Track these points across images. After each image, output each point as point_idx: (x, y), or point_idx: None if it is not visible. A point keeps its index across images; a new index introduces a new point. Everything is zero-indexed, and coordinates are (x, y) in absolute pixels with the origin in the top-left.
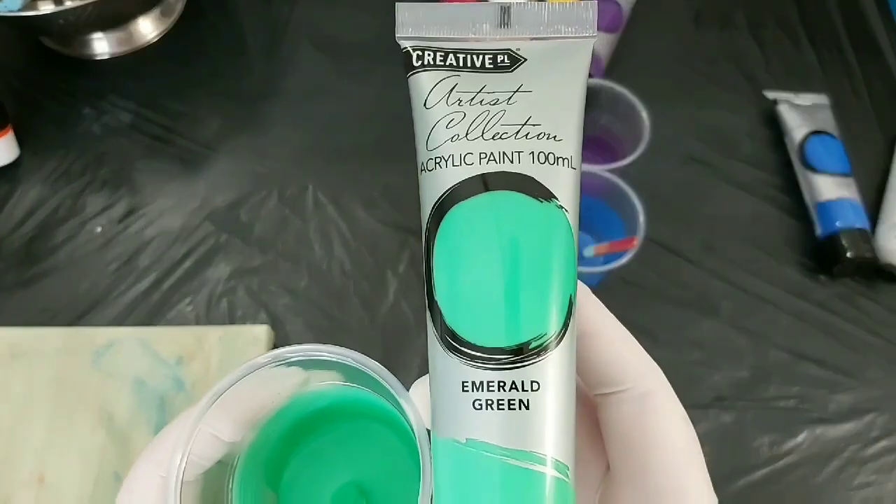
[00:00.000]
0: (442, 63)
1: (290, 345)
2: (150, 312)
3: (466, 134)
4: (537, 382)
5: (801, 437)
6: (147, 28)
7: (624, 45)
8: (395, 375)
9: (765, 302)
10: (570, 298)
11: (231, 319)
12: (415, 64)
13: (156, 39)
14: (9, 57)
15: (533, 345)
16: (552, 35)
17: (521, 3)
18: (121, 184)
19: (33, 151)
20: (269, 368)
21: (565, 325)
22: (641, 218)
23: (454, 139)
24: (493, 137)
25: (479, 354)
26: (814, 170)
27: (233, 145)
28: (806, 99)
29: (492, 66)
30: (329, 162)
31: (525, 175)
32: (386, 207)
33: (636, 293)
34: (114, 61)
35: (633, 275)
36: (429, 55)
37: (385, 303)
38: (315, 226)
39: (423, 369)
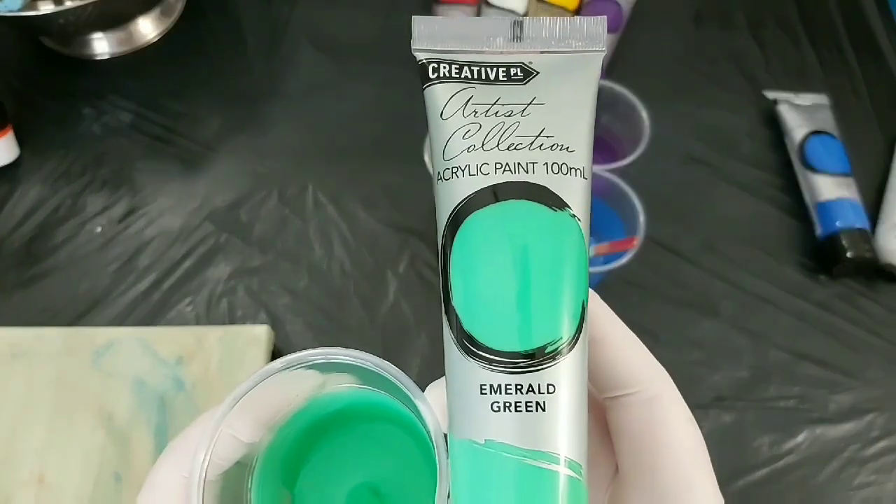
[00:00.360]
0: (457, 76)
1: (290, 344)
2: (150, 312)
3: (482, 145)
4: (553, 385)
5: (801, 437)
6: (147, 28)
7: (624, 45)
8: None
9: (765, 302)
10: (583, 304)
11: (231, 319)
12: (430, 76)
13: (156, 39)
14: (9, 57)
15: (548, 349)
16: (563, 49)
17: (533, 17)
18: (121, 184)
19: (33, 151)
20: (288, 371)
21: (578, 330)
22: (641, 218)
23: (470, 150)
24: (508, 148)
25: (496, 358)
26: (814, 170)
27: (233, 145)
28: (806, 99)
29: (505, 78)
30: (329, 162)
31: (539, 185)
32: (386, 207)
33: (636, 293)
34: (114, 61)
35: (633, 275)
36: (444, 67)
37: (385, 303)
38: (315, 226)
39: (423, 369)
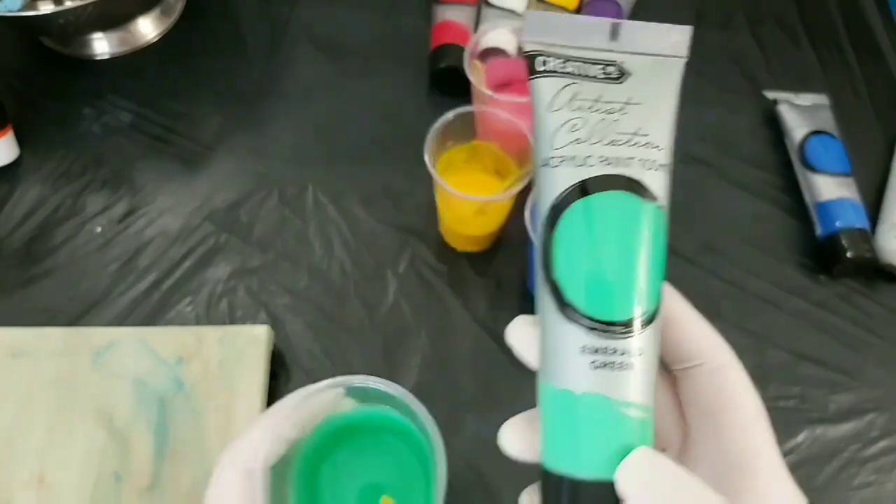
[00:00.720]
0: (562, 70)
1: (289, 344)
2: (150, 312)
3: (588, 139)
4: (641, 349)
5: (801, 437)
6: (147, 28)
7: None
8: (394, 374)
9: (765, 302)
10: (661, 284)
11: (231, 319)
12: (538, 69)
13: (156, 39)
14: (9, 57)
15: (640, 319)
16: (652, 52)
17: (627, 21)
18: (121, 184)
19: (33, 151)
20: (322, 391)
21: (659, 305)
22: None
23: (577, 142)
24: (609, 143)
25: (598, 326)
26: (814, 170)
27: (233, 145)
28: (806, 99)
29: (604, 76)
30: (329, 162)
31: (635, 179)
32: (386, 207)
33: None
34: (114, 61)
35: None
36: (551, 61)
37: (385, 303)
38: (315, 226)
39: (423, 369)
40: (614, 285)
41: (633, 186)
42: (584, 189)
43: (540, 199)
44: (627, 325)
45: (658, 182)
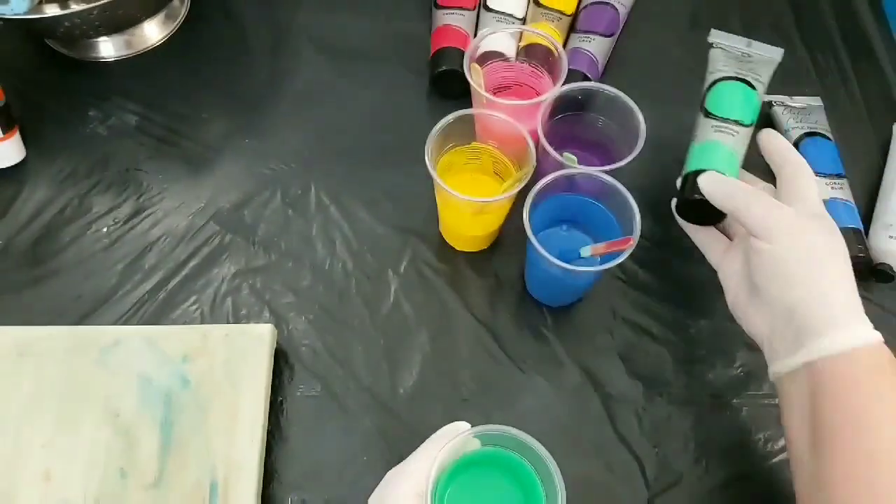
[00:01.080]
0: (724, 48)
1: (293, 342)
2: (156, 311)
3: (731, 66)
4: (744, 130)
5: None
6: (152, 31)
7: (621, 47)
8: (395, 372)
9: None
10: (758, 116)
11: (235, 318)
12: (714, 46)
13: (160, 42)
14: (15, 59)
15: (745, 122)
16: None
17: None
18: (126, 185)
19: (39, 152)
20: (464, 435)
21: (754, 122)
22: (637, 218)
23: (726, 65)
24: (741, 70)
25: (720, 119)
26: None
27: (237, 147)
28: (800, 101)
29: (741, 53)
30: (331, 163)
31: (750, 82)
32: (387, 208)
33: (633, 292)
34: (119, 63)
35: (630, 274)
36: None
37: (386, 302)
38: (318, 226)
39: (424, 367)
40: (732, 107)
41: (749, 84)
42: (725, 79)
43: (706, 80)
44: (737, 122)
45: (760, 87)
